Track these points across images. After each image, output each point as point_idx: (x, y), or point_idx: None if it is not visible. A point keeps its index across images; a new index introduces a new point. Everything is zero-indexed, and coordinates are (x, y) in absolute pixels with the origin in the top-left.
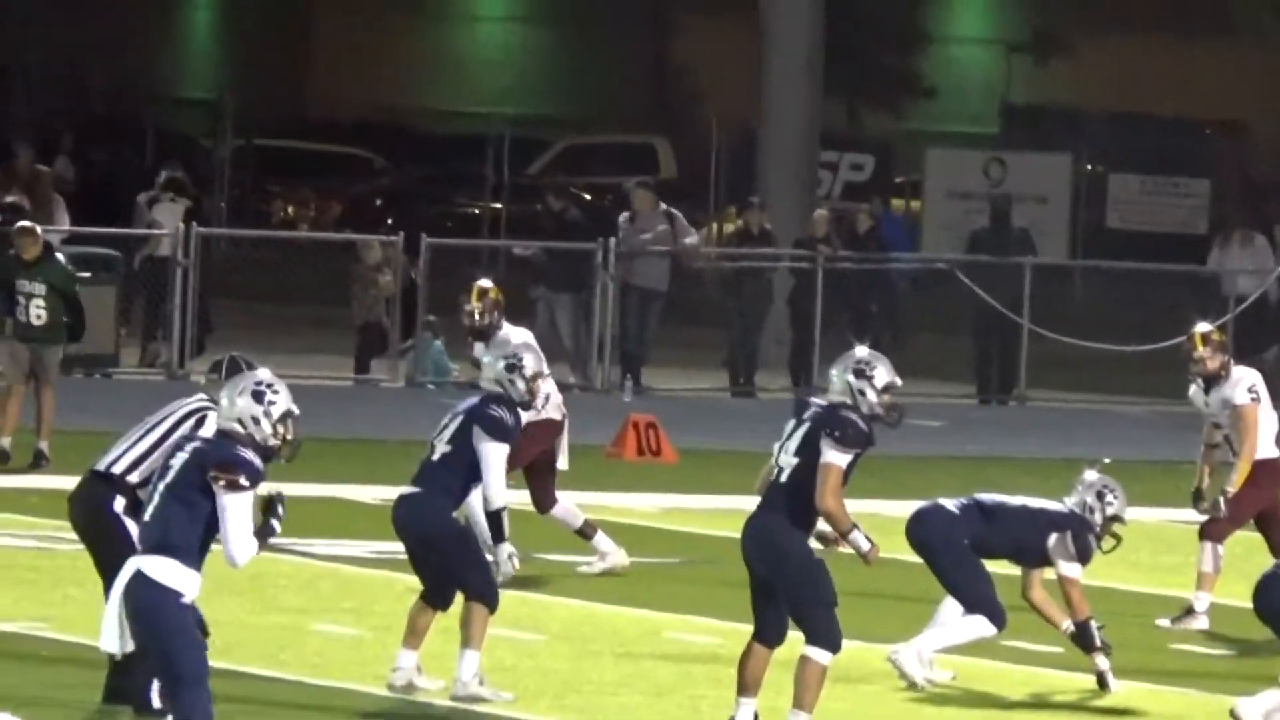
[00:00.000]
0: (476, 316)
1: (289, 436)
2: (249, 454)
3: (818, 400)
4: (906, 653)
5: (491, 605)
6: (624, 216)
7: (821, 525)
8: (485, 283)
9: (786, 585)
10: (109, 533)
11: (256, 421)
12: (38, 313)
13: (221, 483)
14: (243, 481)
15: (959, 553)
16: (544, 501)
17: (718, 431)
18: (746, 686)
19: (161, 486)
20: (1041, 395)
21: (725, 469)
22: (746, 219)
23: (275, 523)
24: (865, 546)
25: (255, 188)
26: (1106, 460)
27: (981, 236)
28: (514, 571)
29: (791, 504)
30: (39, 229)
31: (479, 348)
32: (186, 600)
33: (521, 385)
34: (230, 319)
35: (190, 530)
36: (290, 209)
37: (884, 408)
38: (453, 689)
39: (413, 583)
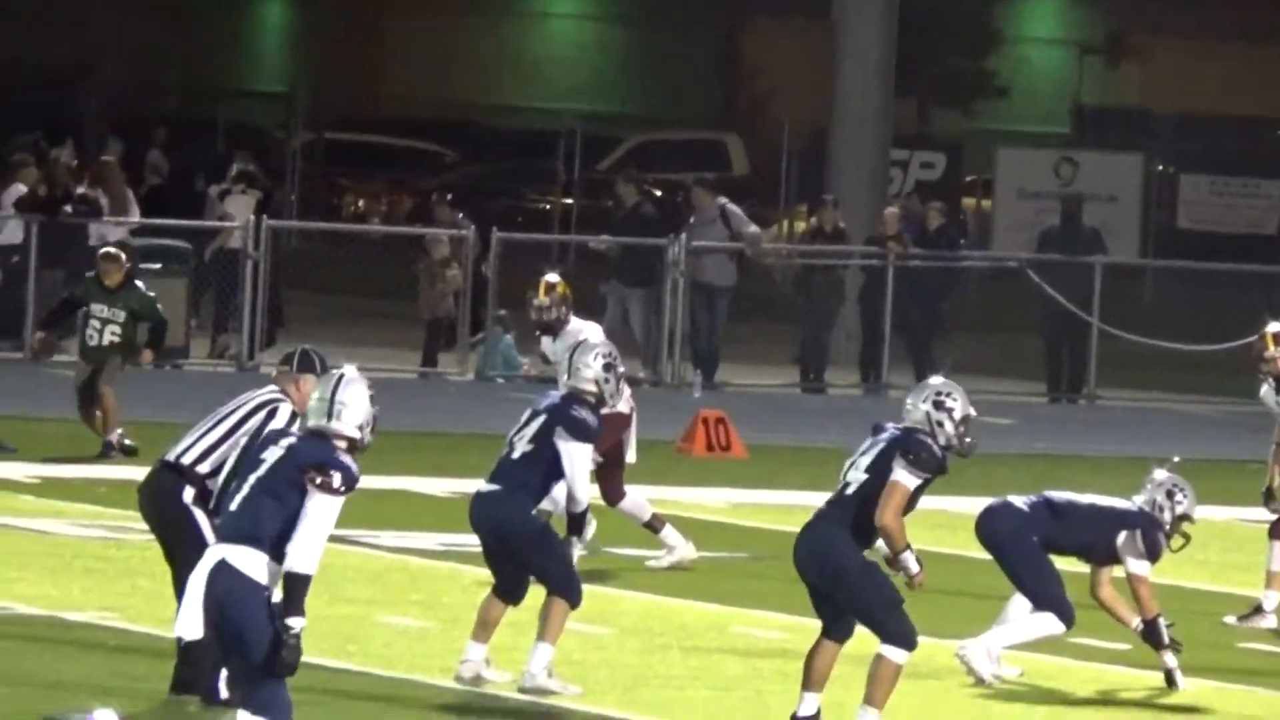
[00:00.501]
0: (544, 311)
1: (367, 439)
2: (347, 458)
3: (895, 425)
4: (975, 649)
5: (574, 601)
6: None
7: (882, 544)
8: (553, 277)
9: (849, 596)
10: (178, 522)
11: (606, 381)
12: (111, 338)
13: (317, 482)
14: (337, 484)
15: (1028, 550)
16: (613, 494)
17: (787, 427)
18: (812, 681)
19: (252, 479)
20: (1111, 394)
21: (795, 465)
22: (820, 216)
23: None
24: (914, 570)
25: (326, 181)
26: (1176, 459)
27: (1052, 235)
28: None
29: (852, 518)
30: (124, 256)
31: (546, 342)
32: (268, 594)
33: (613, 384)
34: (299, 311)
35: (277, 524)
36: (361, 203)
37: (959, 439)
38: (521, 681)
39: (481, 575)
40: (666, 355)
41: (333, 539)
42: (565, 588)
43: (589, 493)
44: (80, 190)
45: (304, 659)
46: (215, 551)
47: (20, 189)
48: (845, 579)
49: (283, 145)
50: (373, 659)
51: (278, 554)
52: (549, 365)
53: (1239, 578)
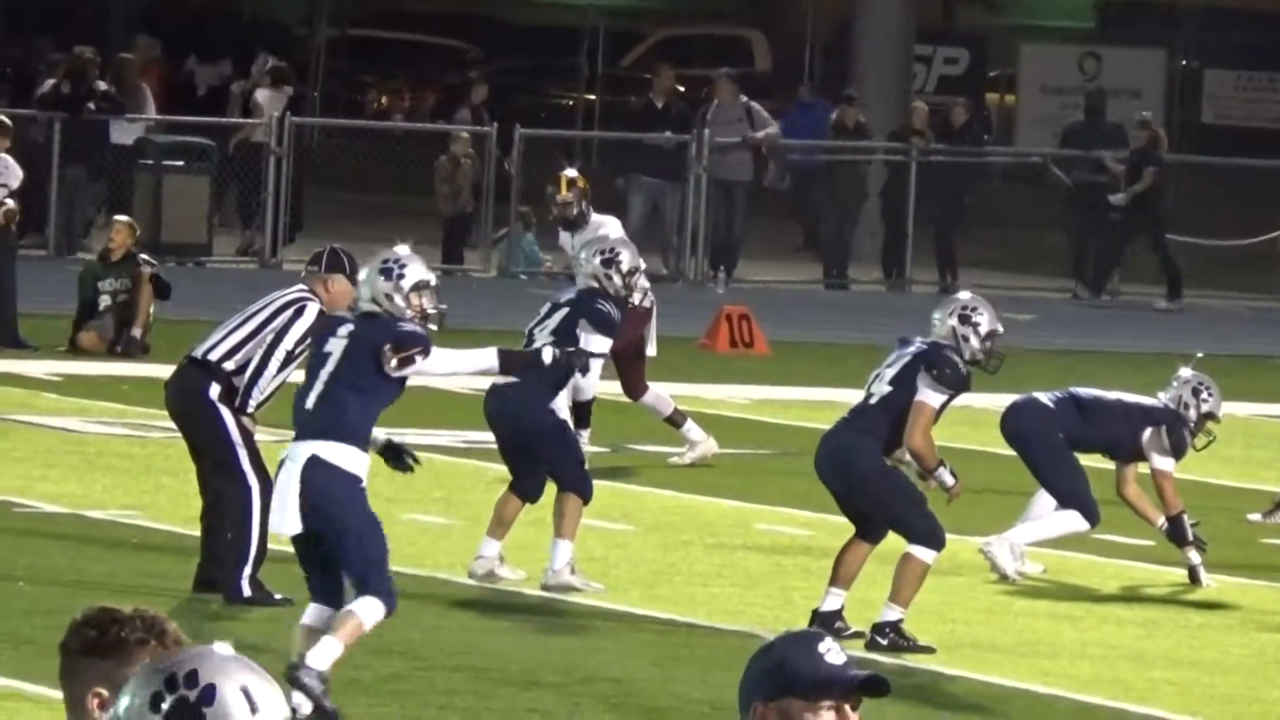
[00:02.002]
0: (565, 207)
1: (429, 308)
2: (412, 325)
3: (921, 338)
4: (999, 545)
5: (586, 497)
6: (709, 107)
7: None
8: (572, 172)
9: (872, 502)
10: (204, 419)
11: (609, 278)
12: (122, 301)
13: (394, 361)
14: (417, 356)
15: (1054, 446)
16: (635, 388)
17: (810, 324)
18: (839, 578)
19: (323, 374)
20: (1134, 290)
21: (817, 361)
22: (842, 112)
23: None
24: (950, 483)
25: (349, 78)
26: (1200, 355)
27: (1076, 131)
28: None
29: (874, 427)
30: (131, 222)
31: (565, 237)
32: (363, 485)
33: (618, 280)
34: (321, 209)
35: (364, 415)
36: (384, 99)
37: (985, 354)
38: (544, 578)
39: (503, 473)
40: (689, 251)
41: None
42: (578, 484)
43: (597, 387)
44: (102, 87)
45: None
46: (303, 449)
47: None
48: (867, 485)
49: (306, 42)
50: (395, 557)
51: (364, 443)
52: (570, 260)
53: (1262, 474)
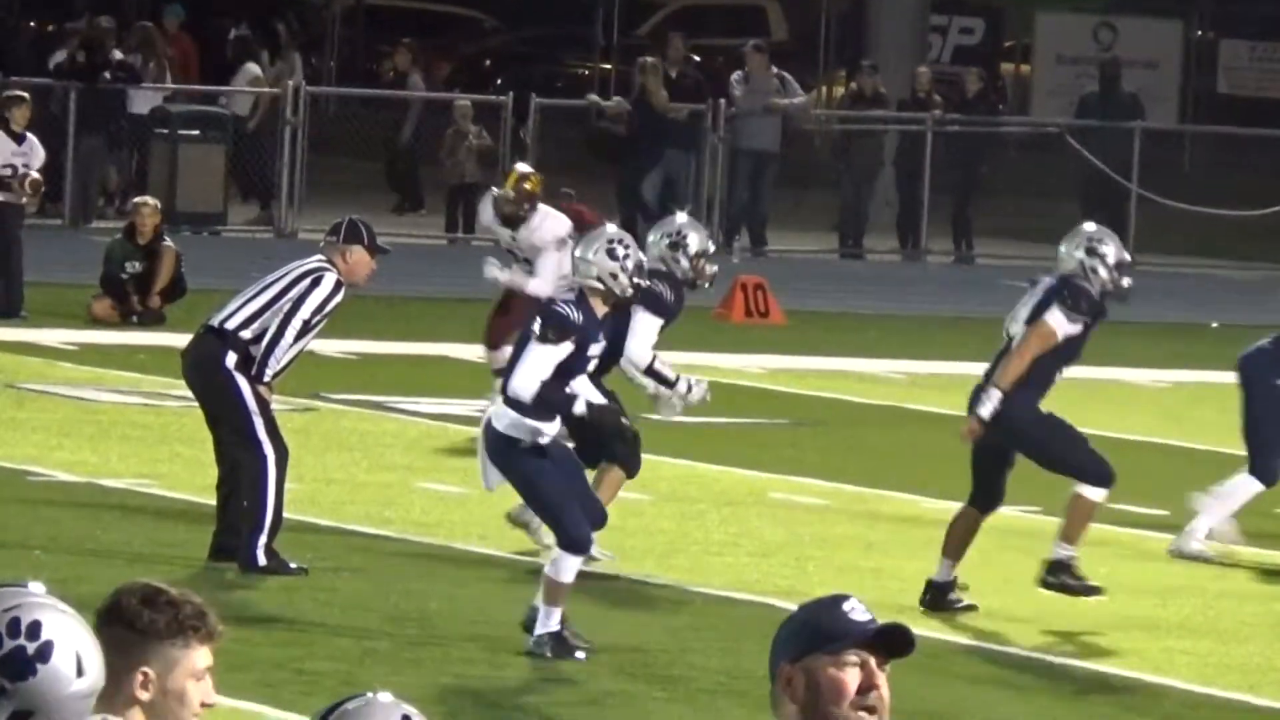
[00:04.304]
0: (505, 203)
1: (642, 283)
2: (567, 310)
3: (1050, 276)
4: (1189, 541)
5: (631, 472)
6: (736, 76)
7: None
8: (525, 168)
9: (1032, 449)
10: (221, 387)
11: (615, 276)
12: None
13: (536, 333)
14: (549, 334)
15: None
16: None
17: (826, 293)
18: (950, 548)
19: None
20: (1149, 260)
21: (833, 330)
22: (860, 82)
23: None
24: (986, 413)
25: (365, 47)
26: (1215, 325)
27: (1091, 101)
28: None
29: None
30: (157, 205)
31: (503, 231)
32: (523, 445)
33: (685, 264)
34: (337, 178)
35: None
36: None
37: (1114, 283)
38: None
39: None
40: (705, 221)
41: (370, 405)
42: (626, 459)
43: (648, 356)
44: (119, 56)
45: (342, 525)
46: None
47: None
48: (1026, 432)
49: (322, 11)
50: (411, 525)
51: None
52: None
53: None
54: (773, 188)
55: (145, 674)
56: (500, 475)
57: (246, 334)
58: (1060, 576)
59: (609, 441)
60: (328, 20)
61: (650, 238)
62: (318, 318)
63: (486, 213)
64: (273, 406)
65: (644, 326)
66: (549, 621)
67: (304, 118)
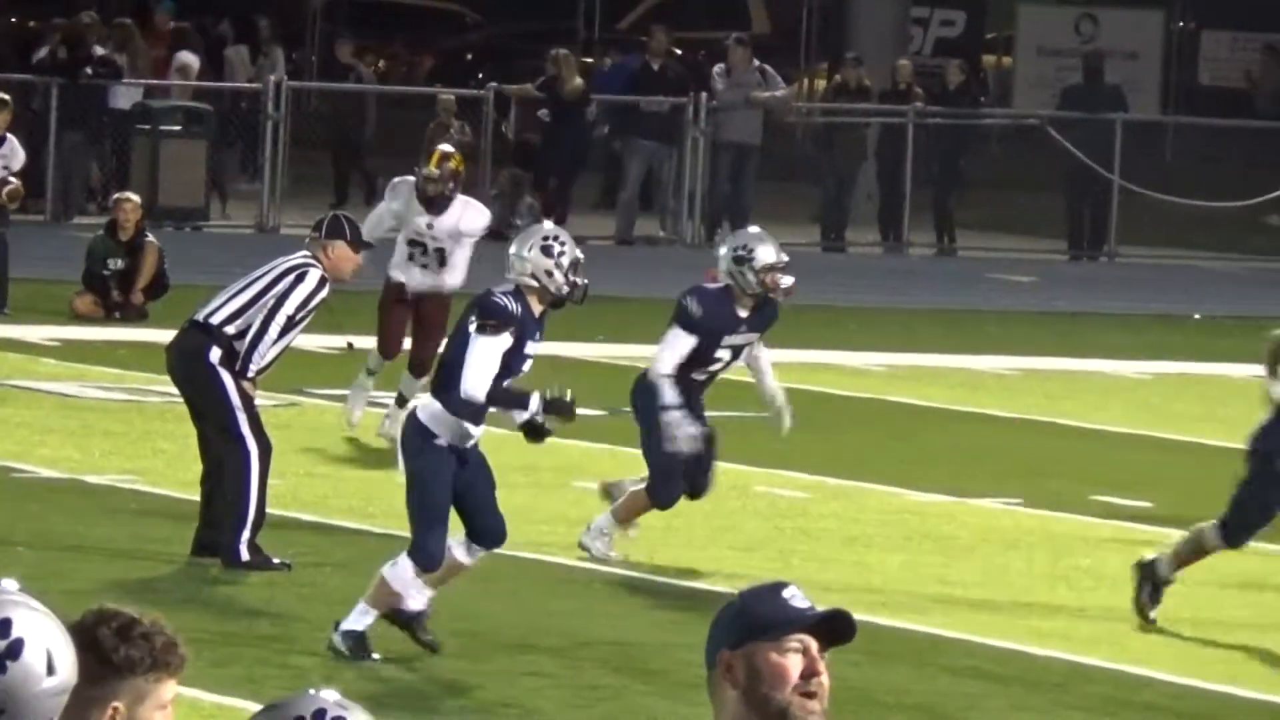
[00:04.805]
0: (432, 182)
1: (579, 281)
2: (505, 301)
3: None
4: None
5: (660, 504)
6: (718, 69)
7: None
8: (448, 148)
9: None
10: (205, 382)
11: (550, 274)
12: (125, 269)
13: (475, 325)
14: (488, 325)
15: None
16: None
17: (807, 286)
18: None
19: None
20: (1132, 251)
21: (814, 323)
22: (844, 74)
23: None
24: None
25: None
26: (1197, 316)
27: (1074, 93)
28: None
29: None
30: (139, 201)
31: (420, 220)
32: (440, 443)
33: (751, 278)
34: (319, 173)
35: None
36: (381, 64)
37: None
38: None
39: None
40: (686, 214)
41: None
42: (655, 486)
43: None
44: (100, 52)
45: (324, 520)
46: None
47: None
48: None
49: (303, 6)
50: (394, 520)
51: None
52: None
53: None
54: (754, 180)
55: (115, 709)
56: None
57: (231, 329)
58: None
59: (647, 458)
60: (309, 15)
61: (720, 251)
62: (302, 313)
63: (399, 199)
64: (257, 402)
65: (672, 341)
66: (362, 619)
67: (285, 113)
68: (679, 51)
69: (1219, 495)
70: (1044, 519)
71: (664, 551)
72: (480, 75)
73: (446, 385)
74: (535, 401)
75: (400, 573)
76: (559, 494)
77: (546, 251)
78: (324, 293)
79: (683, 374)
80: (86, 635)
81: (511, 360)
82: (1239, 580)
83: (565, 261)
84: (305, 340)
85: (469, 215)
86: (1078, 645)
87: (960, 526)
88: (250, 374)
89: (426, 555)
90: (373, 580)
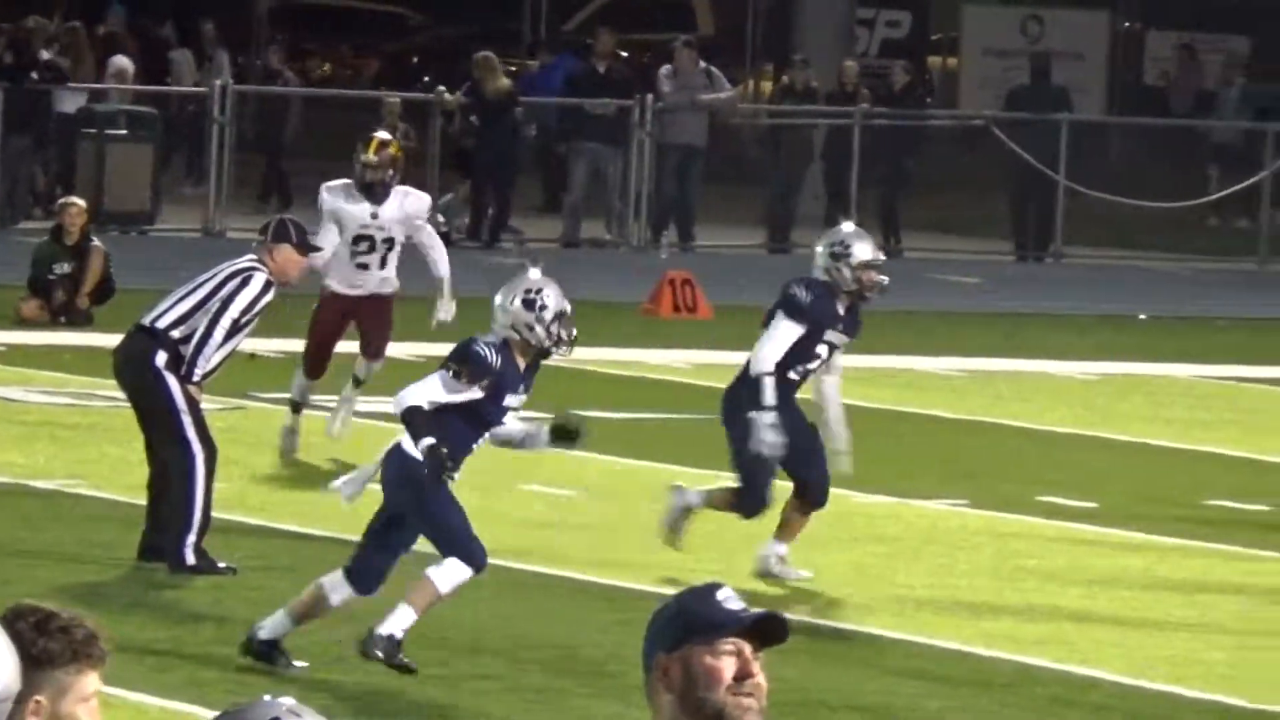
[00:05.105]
0: (370, 170)
1: (564, 334)
2: (486, 352)
3: None
4: None
5: (745, 514)
6: (664, 71)
7: None
8: (385, 135)
9: None
10: (151, 386)
11: (530, 328)
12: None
13: (446, 366)
14: (458, 371)
15: None
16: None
17: (754, 288)
18: None
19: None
20: (1077, 251)
21: (759, 325)
22: (792, 76)
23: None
24: None
25: (293, 46)
26: (1142, 317)
27: (1020, 94)
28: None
29: None
30: (84, 205)
31: (360, 208)
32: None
33: (847, 274)
34: (263, 176)
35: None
36: (327, 67)
37: None
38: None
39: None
40: (633, 217)
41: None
42: (741, 497)
43: (770, 362)
44: (46, 56)
45: (269, 524)
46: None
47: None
48: None
49: (250, 10)
50: (340, 524)
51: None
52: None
53: (1204, 435)
54: (700, 182)
55: (38, 702)
56: (354, 490)
57: (176, 333)
58: None
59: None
60: (255, 18)
61: (818, 248)
62: (247, 317)
63: (336, 198)
64: (203, 406)
65: (778, 331)
66: (404, 623)
67: (231, 117)
68: (625, 54)
69: (1165, 495)
70: (990, 520)
71: (611, 553)
72: (426, 79)
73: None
74: (544, 436)
75: (453, 575)
76: (505, 496)
77: (528, 305)
78: (269, 296)
79: (780, 373)
80: (5, 630)
81: (489, 413)
82: (1183, 581)
83: (548, 315)
84: (251, 344)
85: (411, 200)
86: (1025, 646)
87: (906, 527)
88: (196, 378)
89: (478, 559)
90: (416, 584)
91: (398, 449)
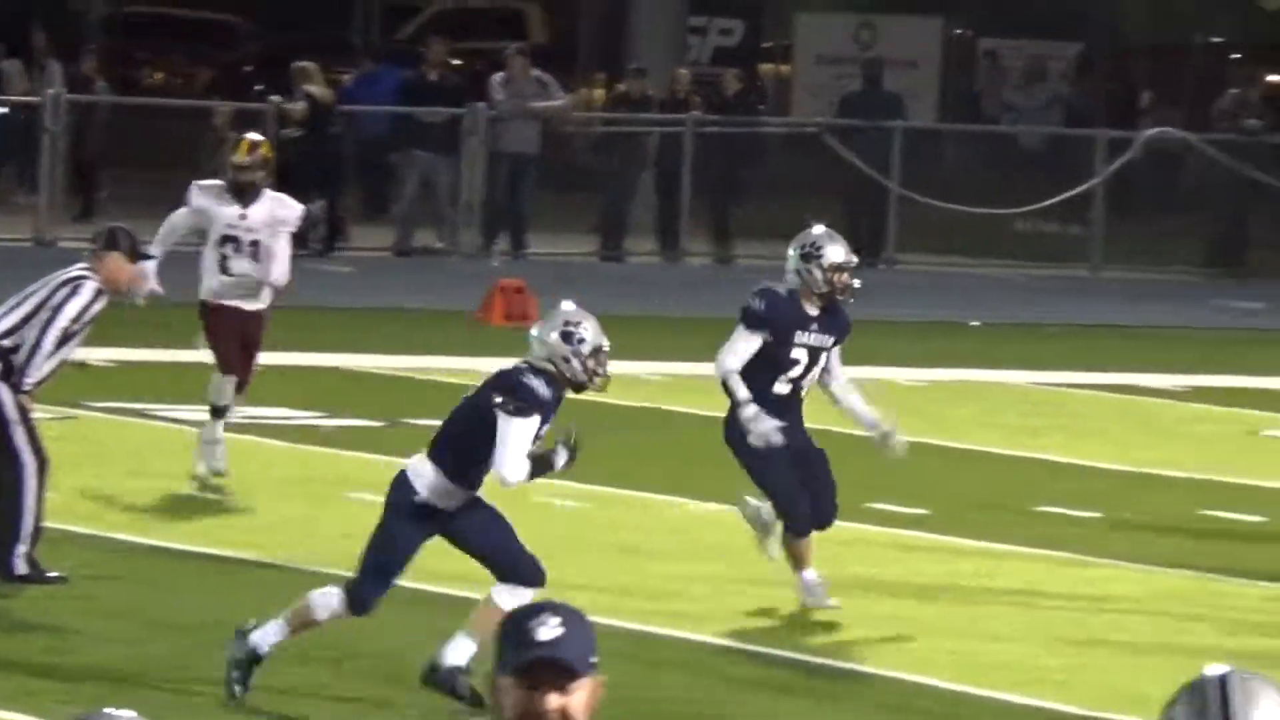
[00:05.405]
0: (243, 170)
1: (599, 371)
2: (539, 385)
3: None
4: None
5: (797, 531)
6: (496, 79)
7: None
8: (256, 136)
9: None
10: None
11: (567, 360)
12: None
13: (508, 406)
14: (519, 408)
15: None
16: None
17: (586, 296)
18: None
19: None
20: (910, 258)
21: None
22: (629, 85)
23: (562, 460)
24: None
25: (125, 55)
26: (975, 323)
27: (853, 101)
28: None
29: None
30: None
31: (228, 209)
32: (419, 499)
33: (819, 275)
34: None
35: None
36: (159, 76)
37: None
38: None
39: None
40: (465, 225)
41: (130, 413)
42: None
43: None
44: None
45: (101, 533)
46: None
47: None
48: None
49: (80, 19)
50: (172, 533)
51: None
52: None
53: (1036, 441)
54: (533, 190)
55: None
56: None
57: (7, 343)
58: None
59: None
60: (86, 27)
61: (790, 250)
62: (77, 325)
63: (205, 197)
64: (33, 415)
65: (734, 338)
66: (469, 651)
67: (64, 126)
68: (458, 62)
69: (996, 502)
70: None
71: (438, 561)
72: (258, 87)
73: (451, 455)
74: (563, 457)
75: (516, 595)
76: (334, 506)
77: (566, 338)
78: (100, 305)
79: (764, 388)
80: None
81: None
82: (1014, 588)
83: (585, 349)
84: (83, 352)
85: (281, 204)
86: (856, 652)
87: (738, 534)
88: (26, 387)
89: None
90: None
91: (402, 476)
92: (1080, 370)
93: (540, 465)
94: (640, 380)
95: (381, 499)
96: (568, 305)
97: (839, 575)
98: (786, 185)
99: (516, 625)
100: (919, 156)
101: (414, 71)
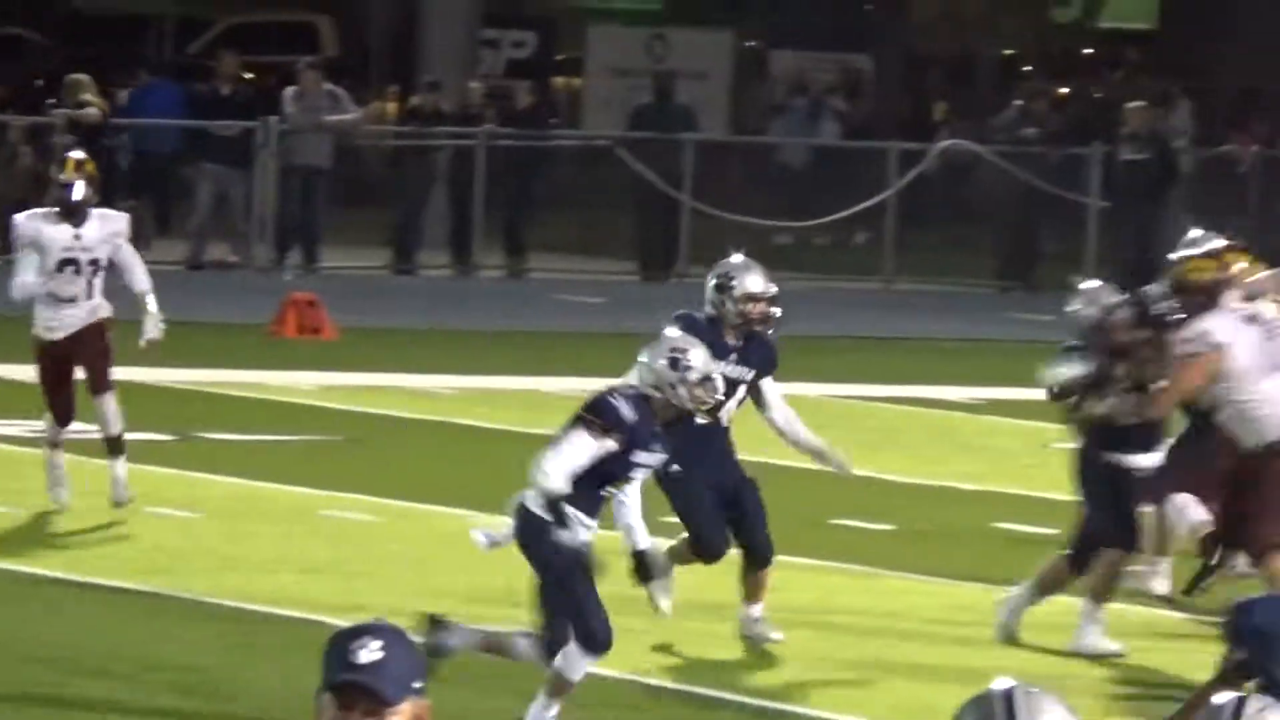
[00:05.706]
0: (76, 191)
1: (708, 398)
2: (623, 405)
3: None
4: None
5: (705, 558)
6: (289, 92)
7: None
8: (80, 154)
9: None
10: None
11: (674, 387)
12: None
13: (581, 418)
14: (595, 423)
15: None
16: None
17: (379, 309)
18: None
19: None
20: (702, 272)
21: (385, 346)
22: (421, 98)
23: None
24: None
25: None
26: (769, 332)
27: (645, 113)
28: None
29: None
30: None
31: (59, 229)
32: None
33: (731, 306)
34: None
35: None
36: None
37: None
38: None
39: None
40: (258, 238)
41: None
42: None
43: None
44: None
45: (17, 569)
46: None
47: None
48: None
49: None
50: (30, 559)
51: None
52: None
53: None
54: (325, 204)
55: None
56: (491, 540)
57: None
58: None
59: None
60: None
61: (708, 280)
62: None
63: (30, 232)
64: None
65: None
66: (548, 716)
67: None
68: (250, 75)
69: (791, 515)
70: (612, 541)
71: (232, 575)
72: (50, 102)
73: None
74: (662, 559)
75: (573, 663)
76: (133, 519)
77: (673, 365)
78: None
79: (687, 425)
80: None
81: (616, 467)
82: (809, 601)
83: (692, 376)
84: None
85: (108, 218)
86: (654, 670)
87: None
88: None
89: (597, 638)
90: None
91: (522, 508)
92: (873, 383)
93: (648, 562)
94: (431, 393)
95: (177, 512)
96: (673, 331)
97: (629, 594)
98: (579, 198)
99: (337, 645)
100: (710, 169)
101: (206, 85)
